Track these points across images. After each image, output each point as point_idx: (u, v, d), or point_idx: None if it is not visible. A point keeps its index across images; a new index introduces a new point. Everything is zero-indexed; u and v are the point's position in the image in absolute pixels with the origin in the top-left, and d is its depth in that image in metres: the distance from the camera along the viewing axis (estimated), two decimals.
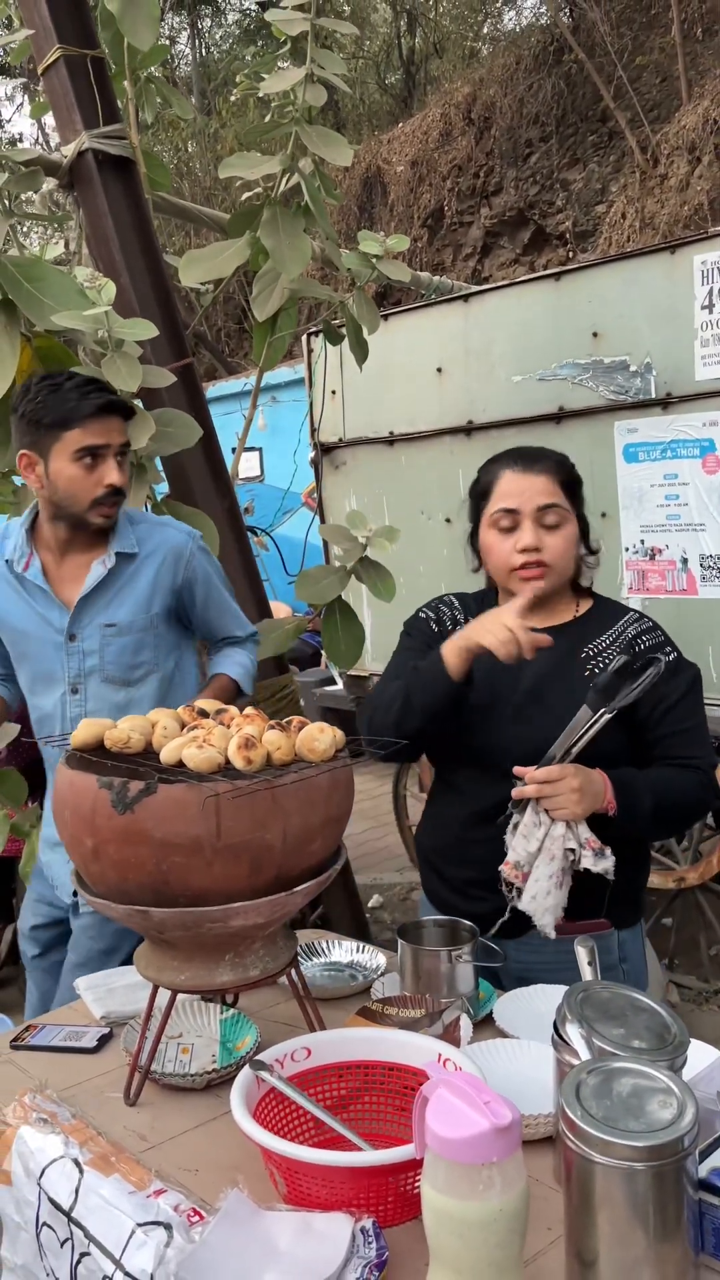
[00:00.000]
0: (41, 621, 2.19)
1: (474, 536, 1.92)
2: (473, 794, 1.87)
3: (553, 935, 1.69)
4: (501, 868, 1.72)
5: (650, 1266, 1.08)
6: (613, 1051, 1.19)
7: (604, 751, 1.73)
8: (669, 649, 1.83)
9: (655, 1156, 1.05)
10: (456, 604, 2.01)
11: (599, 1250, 1.10)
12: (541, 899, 1.69)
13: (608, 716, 1.67)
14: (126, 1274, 1.20)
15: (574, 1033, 1.22)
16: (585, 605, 1.93)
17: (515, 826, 1.73)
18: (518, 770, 1.70)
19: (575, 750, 1.70)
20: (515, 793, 1.70)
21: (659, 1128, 1.07)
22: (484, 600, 1.98)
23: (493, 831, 1.76)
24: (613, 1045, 1.21)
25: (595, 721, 1.67)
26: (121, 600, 2.19)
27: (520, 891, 1.71)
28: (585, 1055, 1.20)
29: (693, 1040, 1.31)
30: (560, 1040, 1.25)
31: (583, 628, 1.89)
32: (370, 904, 4.50)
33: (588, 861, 1.68)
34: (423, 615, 2.02)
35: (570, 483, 1.86)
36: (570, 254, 10.76)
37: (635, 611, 1.90)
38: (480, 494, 1.89)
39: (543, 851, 1.69)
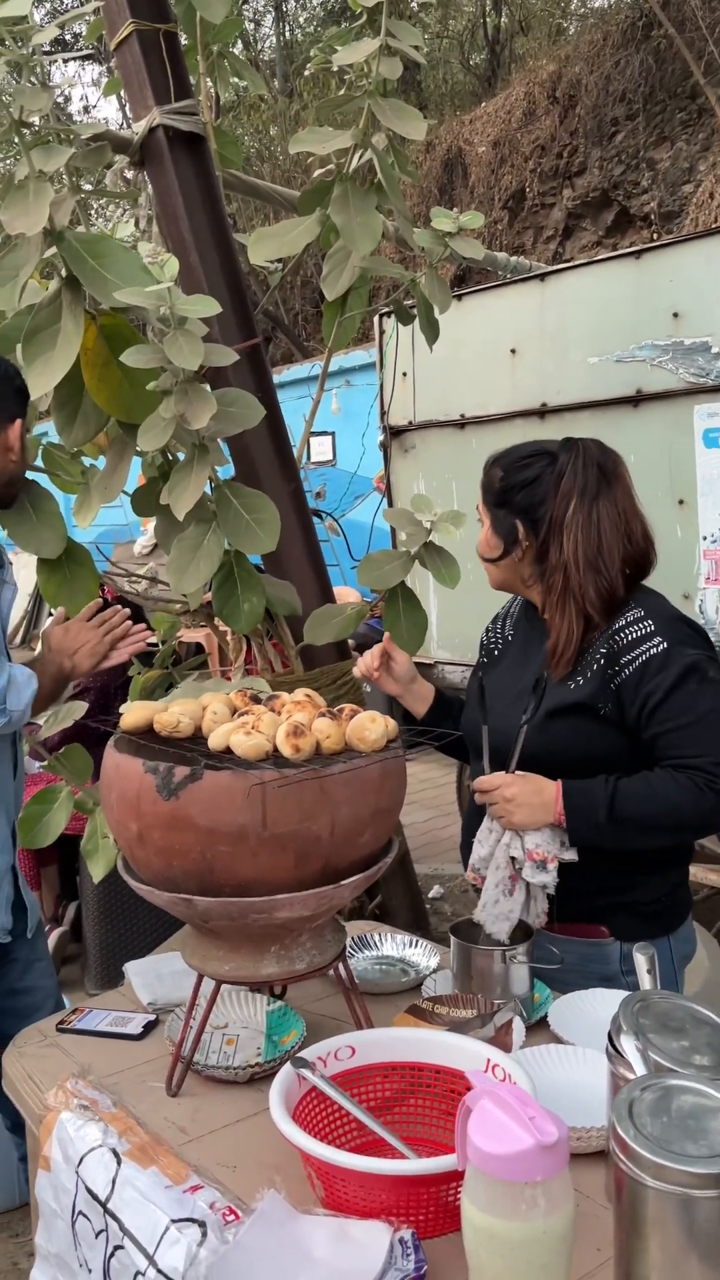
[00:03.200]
0: None
1: None
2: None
3: (506, 942, 1.62)
4: (467, 872, 1.72)
5: None
6: (670, 1067, 1.13)
7: (595, 754, 1.67)
8: (658, 639, 1.67)
9: (714, 1184, 0.99)
10: (502, 610, 2.01)
11: (649, 1276, 1.04)
12: (490, 907, 1.65)
13: (524, 731, 1.65)
14: (159, 1271, 1.17)
15: (629, 1045, 1.16)
16: None
17: (479, 833, 1.71)
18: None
19: (511, 761, 1.67)
20: (476, 795, 1.69)
21: (719, 1152, 1.01)
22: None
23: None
24: (670, 1060, 1.15)
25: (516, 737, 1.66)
26: None
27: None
28: (640, 1070, 1.14)
29: None
30: (615, 1052, 1.19)
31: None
32: (430, 895, 4.45)
33: (528, 873, 1.63)
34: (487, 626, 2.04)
35: (487, 485, 1.83)
36: (655, 235, 10.51)
37: (635, 604, 1.74)
38: None
39: (492, 859, 1.66)
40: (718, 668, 1.69)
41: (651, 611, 1.71)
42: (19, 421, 2.06)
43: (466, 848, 1.89)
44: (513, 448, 1.85)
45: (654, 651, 1.66)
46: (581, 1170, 1.20)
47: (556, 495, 1.73)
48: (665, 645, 1.66)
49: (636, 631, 1.69)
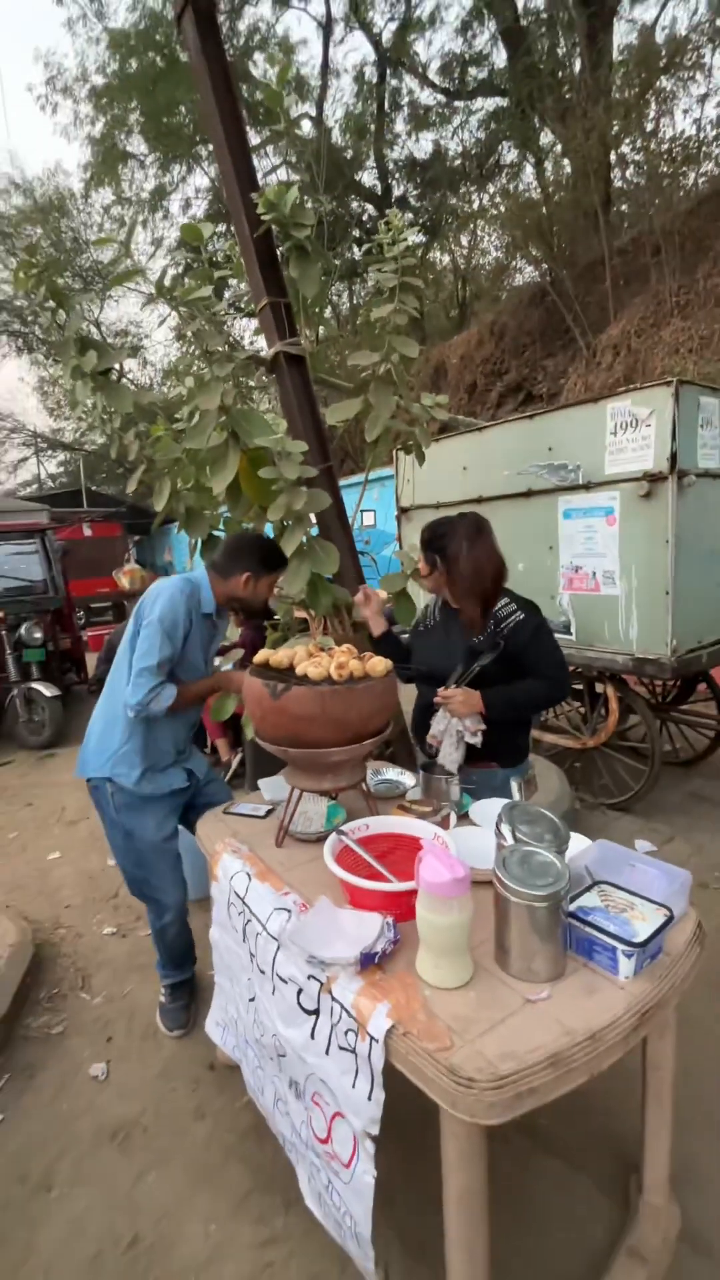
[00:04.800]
0: (206, 645, 1.83)
1: None
2: (423, 693, 1.80)
3: (455, 774, 1.60)
4: (427, 737, 1.69)
5: (539, 955, 1.03)
6: (524, 840, 1.12)
7: (495, 676, 1.65)
8: (519, 612, 1.67)
9: (545, 900, 0.99)
10: (429, 604, 1.92)
11: (512, 946, 1.05)
12: (447, 755, 1.66)
13: (475, 669, 1.61)
14: (268, 934, 1.20)
15: (505, 830, 1.15)
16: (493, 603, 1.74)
17: (436, 717, 1.68)
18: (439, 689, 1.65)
19: (462, 683, 1.63)
20: (435, 699, 1.66)
21: (548, 884, 1.01)
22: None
23: (430, 713, 1.71)
24: (525, 837, 1.14)
25: (469, 673, 1.62)
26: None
27: (438, 751, 1.68)
28: (510, 842, 1.13)
29: (573, 834, 1.23)
30: (499, 832, 1.19)
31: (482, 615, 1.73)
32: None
33: (468, 737, 1.64)
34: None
35: (428, 540, 1.72)
36: (544, 407, 10.12)
37: (508, 596, 1.71)
38: None
39: (446, 731, 1.65)
40: (546, 622, 1.72)
41: (514, 599, 1.72)
42: (248, 575, 1.72)
43: (418, 728, 1.86)
44: (433, 522, 1.79)
45: (520, 619, 1.67)
46: (481, 890, 1.20)
47: (455, 541, 1.69)
48: (523, 615, 1.68)
49: (508, 610, 1.69)
